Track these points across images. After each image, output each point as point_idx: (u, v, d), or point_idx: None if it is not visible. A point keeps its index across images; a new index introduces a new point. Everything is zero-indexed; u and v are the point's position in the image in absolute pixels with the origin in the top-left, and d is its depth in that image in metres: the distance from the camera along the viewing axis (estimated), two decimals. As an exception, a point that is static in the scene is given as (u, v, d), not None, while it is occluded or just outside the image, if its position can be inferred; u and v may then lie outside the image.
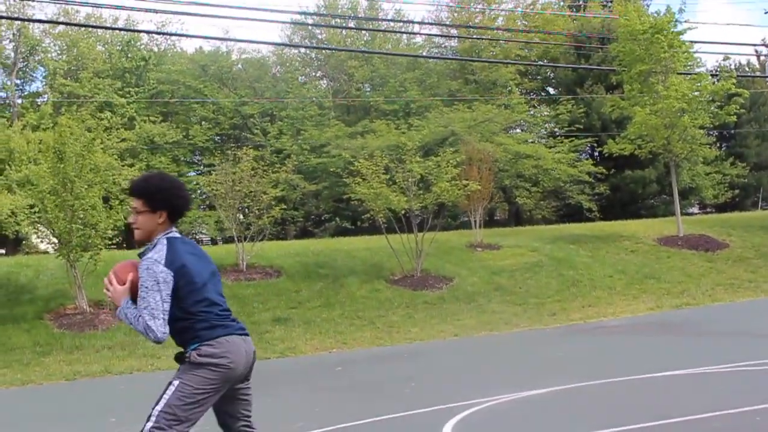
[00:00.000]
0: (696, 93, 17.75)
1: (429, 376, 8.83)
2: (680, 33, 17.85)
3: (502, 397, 6.61)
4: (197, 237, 27.93)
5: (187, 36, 56.15)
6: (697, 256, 17.27)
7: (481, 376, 8.51)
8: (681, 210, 20.03)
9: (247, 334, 3.39)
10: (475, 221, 18.06)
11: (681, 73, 17.86)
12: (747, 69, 30.59)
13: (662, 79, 17.47)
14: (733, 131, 27.02)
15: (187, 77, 29.52)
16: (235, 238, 15.38)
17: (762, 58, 33.17)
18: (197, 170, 30.90)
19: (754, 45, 34.14)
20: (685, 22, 22.98)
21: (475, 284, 15.18)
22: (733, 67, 27.01)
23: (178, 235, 3.35)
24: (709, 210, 34.03)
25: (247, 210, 16.07)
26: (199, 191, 25.47)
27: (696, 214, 32.46)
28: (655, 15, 18.80)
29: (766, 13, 55.92)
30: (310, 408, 6.98)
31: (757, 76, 30.89)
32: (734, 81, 17.74)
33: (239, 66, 32.75)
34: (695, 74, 19.21)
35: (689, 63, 19.89)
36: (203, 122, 30.05)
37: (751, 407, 5.35)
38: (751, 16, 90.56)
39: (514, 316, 13.45)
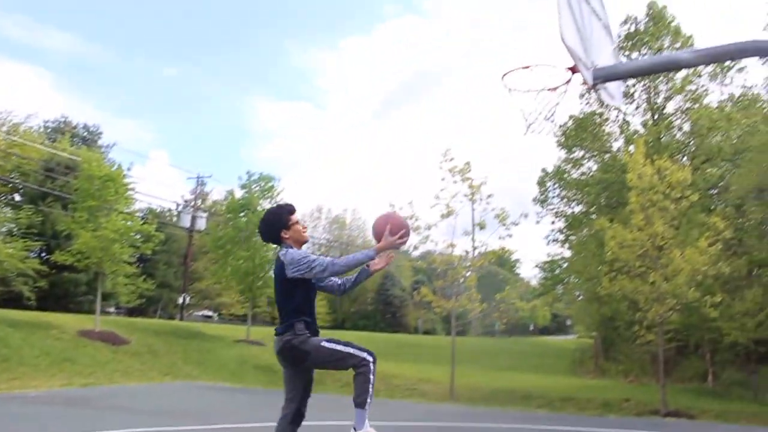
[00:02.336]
0: (129, 226, 24.21)
1: None
2: (126, 185, 24.37)
3: None
4: None
5: None
6: (106, 348, 21.94)
7: None
8: (101, 309, 25.53)
9: (275, 334, 4.85)
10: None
11: (120, 213, 24.19)
12: (167, 215, 40.94)
13: (106, 214, 23.48)
14: (150, 257, 34.93)
15: None
16: None
17: (179, 207, 43.98)
18: None
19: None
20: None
21: None
22: (159, 211, 36.12)
23: None
24: (122, 311, 41.62)
25: None
26: None
27: (112, 313, 39.63)
28: (111, 165, 25.06)
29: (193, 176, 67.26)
30: None
31: (171, 224, 41.55)
32: (155, 225, 24.81)
33: None
34: (130, 214, 25.81)
35: (128, 206, 26.32)
36: None
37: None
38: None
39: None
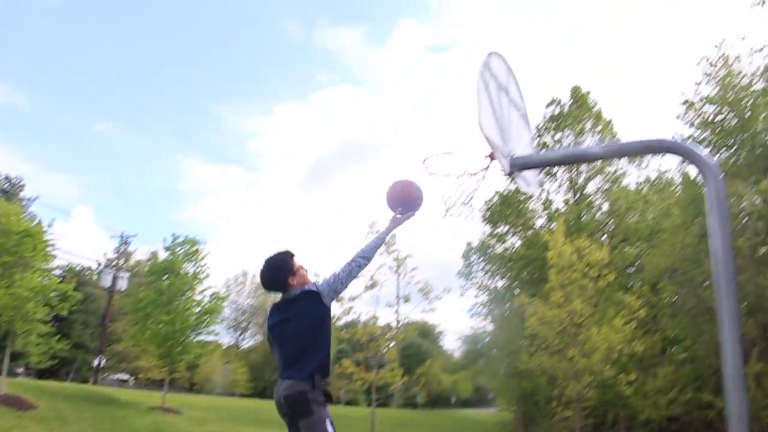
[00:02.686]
0: (45, 284, 23.41)
1: None
2: (46, 241, 23.65)
3: None
4: None
5: None
6: (10, 413, 20.70)
7: None
8: (8, 370, 24.49)
9: (282, 379, 4.64)
10: None
11: (37, 270, 23.39)
12: (87, 274, 39.83)
13: (21, 270, 22.68)
14: (66, 316, 33.63)
15: None
16: None
17: (101, 266, 42.84)
18: None
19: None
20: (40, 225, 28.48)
21: None
22: (79, 269, 34.96)
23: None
24: (31, 372, 39.73)
25: None
26: None
27: (21, 374, 37.73)
28: (31, 219, 24.33)
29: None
30: None
31: (91, 283, 40.48)
32: (73, 284, 24.07)
33: None
34: (47, 272, 24.96)
35: (46, 263, 25.48)
36: None
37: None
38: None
39: None
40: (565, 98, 36.13)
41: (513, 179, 6.53)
